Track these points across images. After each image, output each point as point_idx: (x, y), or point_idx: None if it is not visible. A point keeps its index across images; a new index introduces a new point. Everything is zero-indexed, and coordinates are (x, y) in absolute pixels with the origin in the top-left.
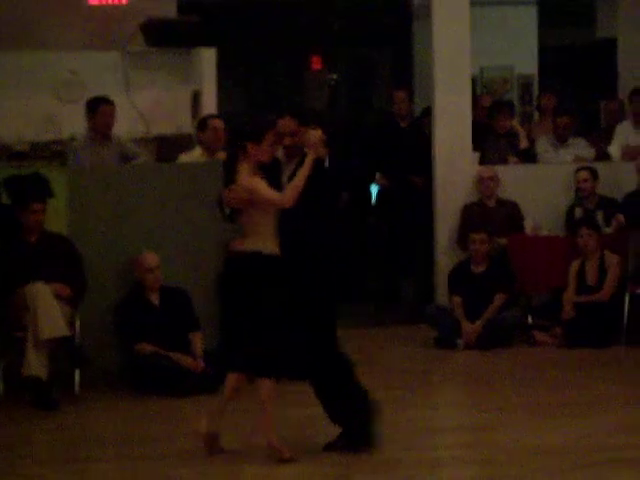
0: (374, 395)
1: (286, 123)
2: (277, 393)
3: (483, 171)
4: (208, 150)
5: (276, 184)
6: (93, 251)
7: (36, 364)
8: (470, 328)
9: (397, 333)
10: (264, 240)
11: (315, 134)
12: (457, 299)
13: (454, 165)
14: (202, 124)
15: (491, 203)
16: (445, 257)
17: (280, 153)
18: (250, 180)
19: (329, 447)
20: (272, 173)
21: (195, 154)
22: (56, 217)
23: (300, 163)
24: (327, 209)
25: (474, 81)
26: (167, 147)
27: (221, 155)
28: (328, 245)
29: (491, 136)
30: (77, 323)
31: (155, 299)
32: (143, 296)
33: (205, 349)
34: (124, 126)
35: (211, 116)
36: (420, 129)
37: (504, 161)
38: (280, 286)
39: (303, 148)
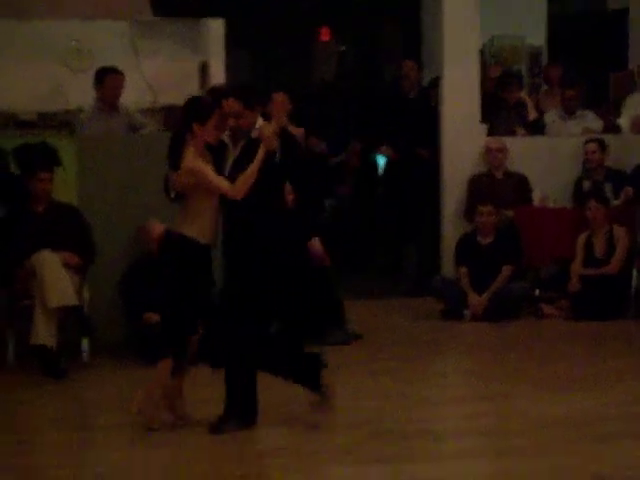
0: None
1: (230, 104)
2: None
3: (491, 142)
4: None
5: (221, 167)
6: (101, 220)
7: (44, 333)
8: (477, 300)
9: (403, 305)
10: (197, 226)
11: (269, 127)
12: (463, 270)
13: (462, 136)
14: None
15: (499, 175)
16: (451, 228)
17: (225, 136)
18: (196, 163)
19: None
20: (218, 155)
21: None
22: (65, 187)
23: (245, 147)
24: (275, 203)
25: (483, 50)
26: (174, 117)
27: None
28: (275, 238)
29: (499, 107)
30: (85, 292)
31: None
32: (152, 266)
33: None
34: (131, 96)
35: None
36: (427, 100)
37: (512, 133)
38: (196, 274)
39: (248, 131)
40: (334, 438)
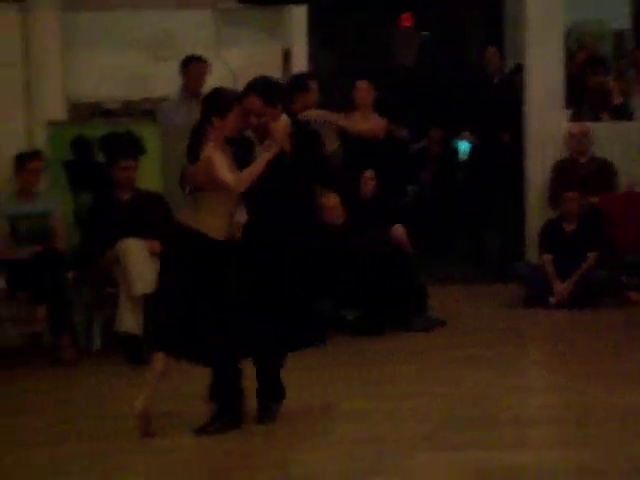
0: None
1: (251, 101)
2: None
3: (574, 128)
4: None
5: (246, 164)
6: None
7: (129, 320)
8: (561, 287)
9: (486, 291)
10: (212, 221)
11: (280, 125)
12: (548, 257)
13: (546, 122)
14: (300, 84)
15: (583, 160)
16: (535, 214)
17: (251, 133)
18: (209, 156)
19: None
20: (243, 152)
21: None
22: (150, 175)
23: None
24: (287, 198)
25: (566, 35)
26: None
27: (310, 113)
28: (298, 228)
29: (584, 93)
30: None
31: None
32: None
33: None
34: (215, 84)
35: (308, 76)
36: (510, 86)
37: (597, 118)
38: (215, 273)
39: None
40: (414, 425)
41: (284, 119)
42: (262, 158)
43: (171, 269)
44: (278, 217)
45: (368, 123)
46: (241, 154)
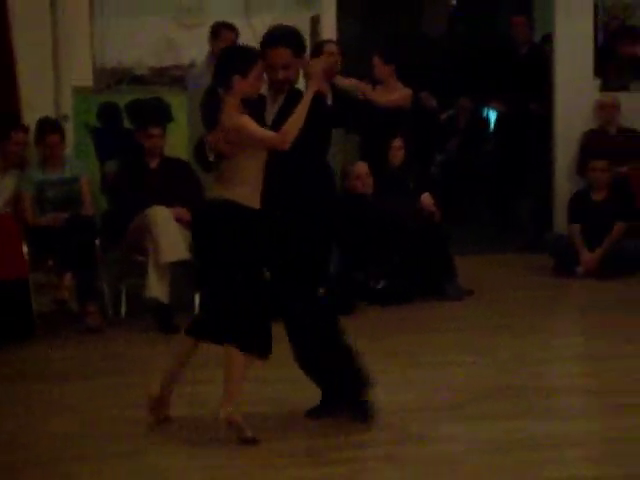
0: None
1: (279, 54)
2: (246, 364)
3: (603, 98)
4: (324, 75)
5: (259, 122)
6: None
7: (157, 287)
8: (589, 257)
9: (515, 261)
10: (246, 190)
11: (318, 63)
12: (576, 227)
13: (575, 91)
14: (317, 49)
15: (612, 131)
16: (564, 184)
17: (264, 88)
18: (238, 118)
19: (311, 413)
20: (256, 110)
21: None
22: (178, 142)
23: (288, 99)
24: (323, 153)
25: (596, 4)
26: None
27: (338, 80)
28: (322, 196)
29: (613, 62)
30: None
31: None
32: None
33: None
34: None
35: (326, 41)
36: (539, 55)
37: (626, 88)
38: (254, 245)
39: (294, 83)
40: (443, 395)
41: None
42: (302, 105)
43: (211, 250)
44: (306, 187)
45: (392, 94)
46: (254, 112)
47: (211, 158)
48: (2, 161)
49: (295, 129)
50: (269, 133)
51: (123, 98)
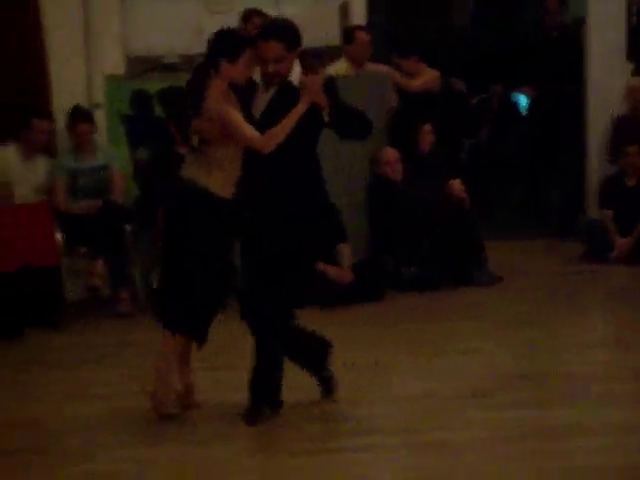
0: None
1: (271, 47)
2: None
3: (635, 82)
4: (354, 62)
5: (247, 108)
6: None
7: None
8: (621, 242)
9: (546, 246)
10: (220, 177)
11: (315, 79)
12: (608, 213)
13: (607, 75)
14: (348, 35)
15: None
16: (597, 168)
17: (257, 74)
18: (223, 108)
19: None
20: (245, 96)
21: (341, 66)
22: None
23: (279, 92)
24: (311, 161)
25: None
26: (308, 60)
27: (369, 67)
28: (305, 200)
29: None
30: None
31: None
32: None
33: (353, 261)
34: None
35: (357, 27)
36: (572, 38)
37: None
38: (217, 236)
39: (285, 76)
40: (468, 383)
41: (322, 73)
42: (294, 113)
43: (175, 231)
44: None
45: (420, 78)
46: (242, 97)
47: (195, 143)
48: (26, 148)
49: (281, 137)
50: (254, 134)
51: (154, 86)
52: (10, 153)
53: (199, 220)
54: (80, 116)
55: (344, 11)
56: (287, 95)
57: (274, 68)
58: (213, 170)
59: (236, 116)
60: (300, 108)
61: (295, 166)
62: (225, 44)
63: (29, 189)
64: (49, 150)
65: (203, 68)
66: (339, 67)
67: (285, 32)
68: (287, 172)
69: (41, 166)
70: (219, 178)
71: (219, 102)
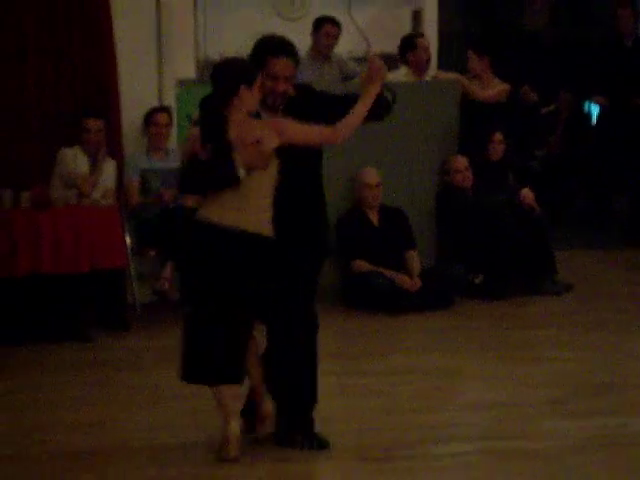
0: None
1: (285, 64)
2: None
3: None
4: (415, 70)
5: None
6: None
7: None
8: None
9: (616, 256)
10: (264, 217)
11: (379, 59)
12: None
13: None
14: (408, 42)
15: None
16: None
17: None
18: (280, 122)
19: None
20: None
21: (401, 73)
22: None
23: (286, 111)
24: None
25: None
26: (388, 66)
27: (439, 75)
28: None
29: None
30: None
31: (374, 217)
32: (363, 214)
33: (421, 268)
34: (345, 45)
35: (415, 34)
36: None
37: None
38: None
39: (287, 98)
40: (543, 391)
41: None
42: (364, 103)
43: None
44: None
45: (489, 89)
46: None
47: (241, 175)
48: (88, 150)
49: (352, 127)
50: (324, 128)
51: None
52: (79, 154)
53: (254, 269)
54: (158, 109)
55: (417, 17)
56: (297, 109)
57: (284, 87)
58: (254, 208)
59: (293, 122)
60: (372, 90)
61: (306, 193)
62: (244, 70)
63: (97, 192)
64: (114, 153)
65: (224, 98)
66: (400, 74)
67: (294, 49)
68: (296, 202)
69: (109, 168)
70: (262, 216)
71: (258, 124)
